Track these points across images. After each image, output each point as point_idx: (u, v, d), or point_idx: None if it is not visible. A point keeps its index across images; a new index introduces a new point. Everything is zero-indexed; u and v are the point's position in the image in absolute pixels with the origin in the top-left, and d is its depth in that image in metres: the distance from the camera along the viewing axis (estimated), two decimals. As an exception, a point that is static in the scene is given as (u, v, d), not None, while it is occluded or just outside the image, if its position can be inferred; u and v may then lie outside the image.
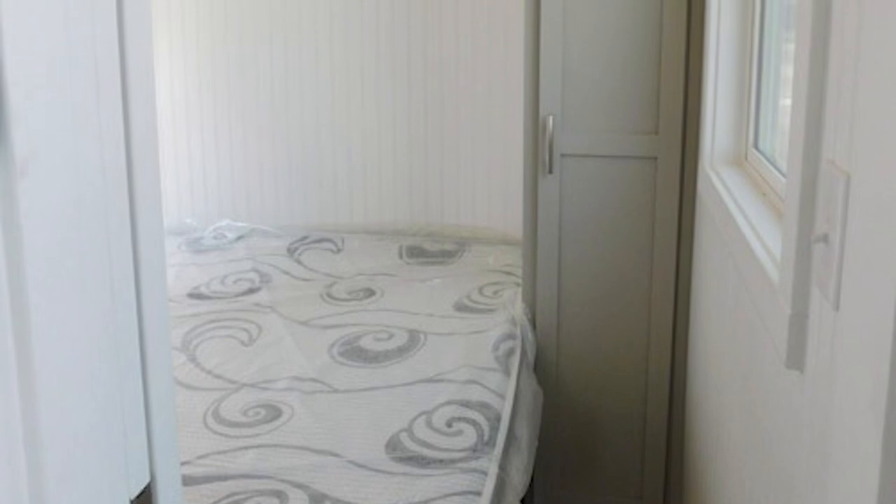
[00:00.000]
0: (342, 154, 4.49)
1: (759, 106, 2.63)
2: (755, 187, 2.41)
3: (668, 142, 3.14)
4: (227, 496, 2.27)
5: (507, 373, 2.97)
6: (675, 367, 3.34)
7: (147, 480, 0.90)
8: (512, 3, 3.99)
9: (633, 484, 3.49)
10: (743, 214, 2.14)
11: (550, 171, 3.21)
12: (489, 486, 2.36)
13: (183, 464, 2.25)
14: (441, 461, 2.43)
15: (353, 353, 3.09)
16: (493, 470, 2.44)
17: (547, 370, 3.41)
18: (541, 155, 3.23)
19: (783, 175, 2.08)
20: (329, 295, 3.69)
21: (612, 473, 3.49)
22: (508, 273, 3.90)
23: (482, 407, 2.71)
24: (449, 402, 2.73)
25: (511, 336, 3.21)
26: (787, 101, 2.23)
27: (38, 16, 0.71)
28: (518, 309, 3.42)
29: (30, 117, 0.69)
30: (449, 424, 2.61)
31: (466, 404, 2.72)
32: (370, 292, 3.70)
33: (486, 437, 2.56)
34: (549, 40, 3.15)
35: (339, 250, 4.25)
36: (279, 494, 2.27)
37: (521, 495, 2.60)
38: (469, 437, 2.55)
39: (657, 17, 3.08)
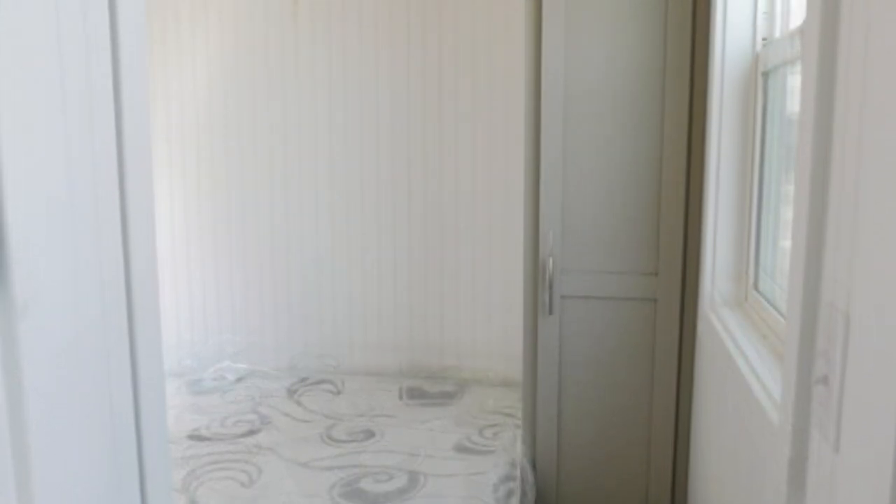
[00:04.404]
0: (342, 296, 4.51)
1: (760, 247, 2.64)
2: (755, 329, 2.41)
3: (668, 283, 3.16)
4: None
5: (508, 516, 2.94)
6: (677, 509, 3.31)
7: None
8: (512, 145, 4.05)
9: None
10: (743, 356, 2.14)
11: (551, 312, 3.22)
12: None
13: None
14: None
15: (354, 494, 3.05)
16: None
17: (548, 513, 3.36)
18: (541, 296, 3.24)
19: (784, 316, 2.08)
20: (329, 436, 3.66)
21: None
22: (508, 415, 3.87)
23: (483, 551, 2.68)
24: (449, 547, 2.70)
25: (511, 477, 3.18)
26: (787, 243, 2.24)
27: (39, 157, 0.72)
28: (518, 450, 3.39)
29: (30, 258, 0.70)
30: (449, 569, 2.57)
31: (467, 549, 2.68)
32: (370, 433, 3.67)
33: (486, 583, 2.52)
34: (548, 181, 3.19)
35: (339, 392, 4.24)
36: None
37: None
38: (469, 582, 2.51)
39: (657, 158, 3.12)
